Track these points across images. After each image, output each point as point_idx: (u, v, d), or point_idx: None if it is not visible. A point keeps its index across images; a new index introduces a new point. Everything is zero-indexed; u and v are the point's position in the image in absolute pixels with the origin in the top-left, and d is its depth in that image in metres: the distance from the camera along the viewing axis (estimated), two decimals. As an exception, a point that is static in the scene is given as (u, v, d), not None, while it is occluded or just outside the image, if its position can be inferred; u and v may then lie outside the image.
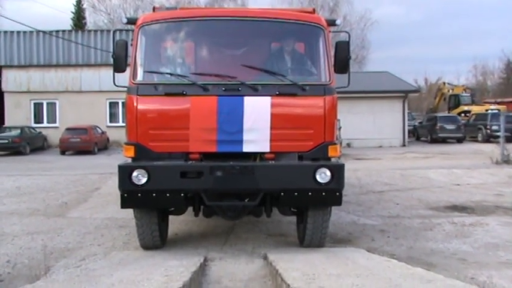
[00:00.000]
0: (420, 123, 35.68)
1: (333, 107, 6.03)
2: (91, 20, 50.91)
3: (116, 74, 6.23)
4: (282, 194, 5.91)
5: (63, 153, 26.21)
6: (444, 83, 45.87)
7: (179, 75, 6.05)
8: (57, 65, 30.83)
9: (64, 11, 78.07)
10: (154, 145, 5.88)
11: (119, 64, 6.12)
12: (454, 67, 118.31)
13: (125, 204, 5.94)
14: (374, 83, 29.37)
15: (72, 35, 31.74)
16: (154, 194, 5.76)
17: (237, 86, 5.83)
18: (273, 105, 5.81)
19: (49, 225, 8.47)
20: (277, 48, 6.80)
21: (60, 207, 10.36)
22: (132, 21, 6.36)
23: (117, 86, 6.36)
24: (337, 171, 5.85)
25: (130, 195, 5.82)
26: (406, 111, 30.03)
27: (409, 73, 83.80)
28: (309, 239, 6.53)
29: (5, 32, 31.42)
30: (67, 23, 49.75)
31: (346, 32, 6.71)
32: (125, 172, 5.76)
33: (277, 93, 5.85)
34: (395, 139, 28.70)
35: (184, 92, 5.80)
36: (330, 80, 6.07)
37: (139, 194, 5.76)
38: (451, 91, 41.98)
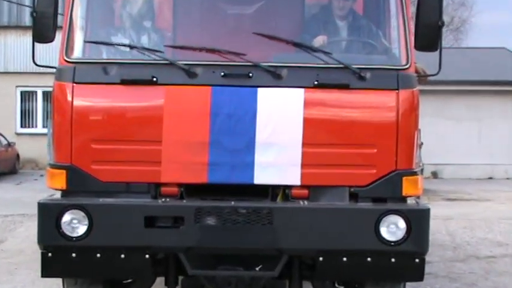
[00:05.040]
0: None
1: (413, 108, 5.63)
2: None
3: (36, 44, 5.81)
4: (321, 259, 5.51)
5: None
6: None
7: (146, 49, 5.69)
8: None
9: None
10: (101, 170, 5.54)
11: (43, 28, 5.70)
12: None
13: (48, 270, 5.48)
14: (480, 68, 26.57)
15: None
16: (99, 255, 5.38)
17: (246, 70, 5.42)
18: (307, 105, 5.44)
19: None
20: (317, 7, 6.42)
21: None
22: None
23: (38, 65, 5.98)
24: (418, 222, 5.40)
25: (58, 256, 5.41)
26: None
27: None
28: None
29: None
30: None
31: None
32: (49, 215, 5.33)
33: (316, 83, 5.45)
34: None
35: (155, 79, 5.45)
36: (407, 62, 5.62)
37: (73, 254, 5.36)
38: None
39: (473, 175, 24.64)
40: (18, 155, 26.77)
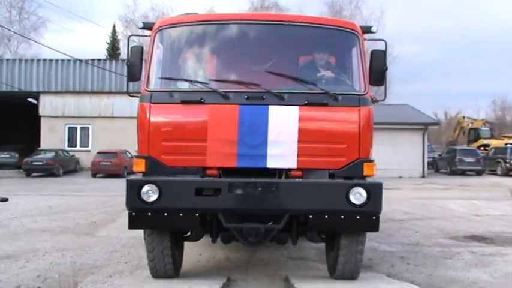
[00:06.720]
0: (440, 155, 35.08)
1: (369, 119, 5.54)
2: (125, 50, 50.86)
3: (130, 83, 5.92)
4: (311, 216, 5.34)
5: (94, 175, 26.65)
6: (464, 117, 45.28)
7: (197, 82, 5.58)
8: (92, 92, 31.61)
9: (100, 42, 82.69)
10: (167, 158, 5.40)
11: (134, 71, 5.78)
12: (474, 102, 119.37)
13: (133, 224, 5.36)
14: (395, 115, 28.69)
15: (106, 63, 32.47)
16: (166, 214, 5.24)
17: (262, 94, 5.38)
18: (301, 116, 5.35)
19: (78, 243, 8.47)
20: (307, 55, 6.28)
21: (89, 226, 10.34)
22: (148, 26, 5.94)
23: (130, 95, 6.20)
24: (374, 191, 5.24)
25: (139, 214, 5.29)
26: (426, 143, 29.67)
27: (429, 107, 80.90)
28: (341, 269, 5.86)
29: (44, 60, 32.30)
30: (102, 53, 51.33)
31: (382, 40, 5.87)
32: (133, 187, 5.20)
33: (306, 102, 5.36)
34: (415, 170, 28.24)
35: (203, 100, 5.36)
36: (365, 90, 5.58)
37: (149, 213, 5.24)
38: (470, 125, 41.56)
39: (391, 175, 25.83)
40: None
